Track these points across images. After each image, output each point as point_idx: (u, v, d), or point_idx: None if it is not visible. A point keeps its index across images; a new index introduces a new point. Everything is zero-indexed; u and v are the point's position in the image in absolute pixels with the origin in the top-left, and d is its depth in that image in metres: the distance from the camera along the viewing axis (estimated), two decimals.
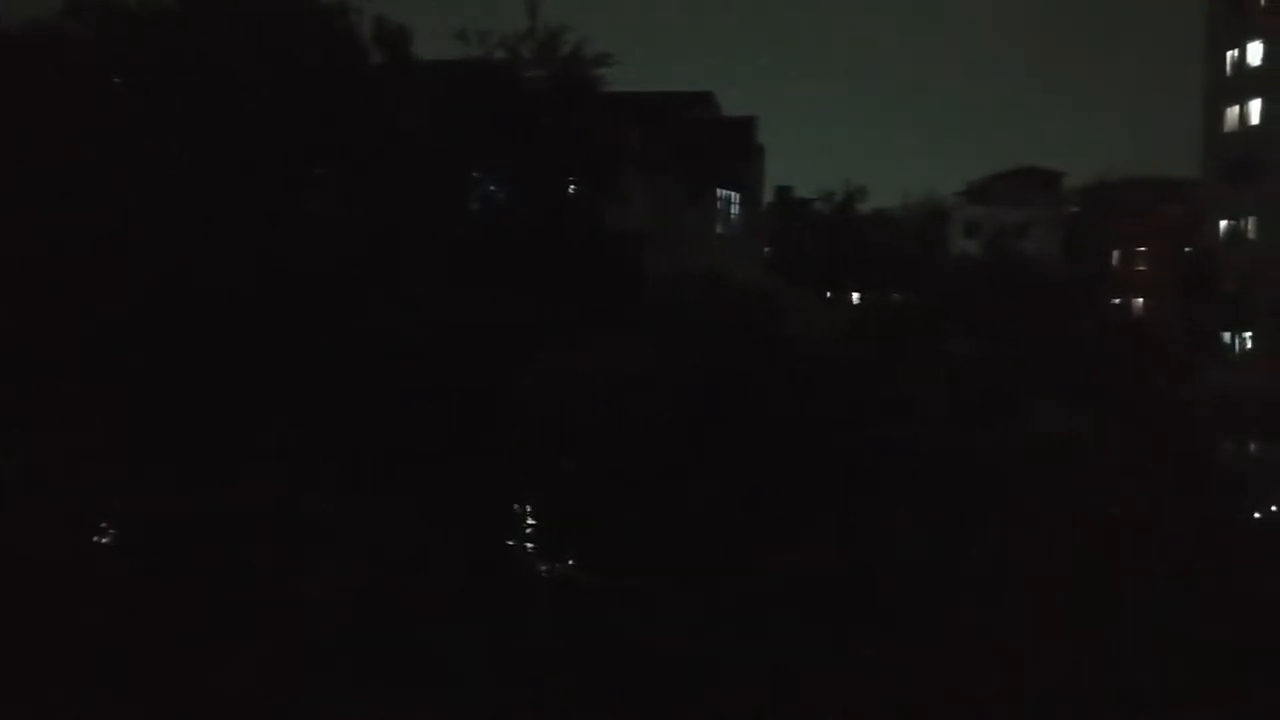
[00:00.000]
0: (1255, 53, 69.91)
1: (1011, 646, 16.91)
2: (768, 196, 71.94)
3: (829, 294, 67.82)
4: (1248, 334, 60.86)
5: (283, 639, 16.11)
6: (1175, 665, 18.23)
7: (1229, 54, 71.20)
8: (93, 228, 20.89)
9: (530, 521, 24.34)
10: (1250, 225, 69.21)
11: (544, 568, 23.96)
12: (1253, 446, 44.06)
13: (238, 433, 20.20)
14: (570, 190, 28.85)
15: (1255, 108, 69.35)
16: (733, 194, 57.19)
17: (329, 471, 20.11)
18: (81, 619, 17.84)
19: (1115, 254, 79.55)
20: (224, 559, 18.51)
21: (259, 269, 21.31)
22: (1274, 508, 34.41)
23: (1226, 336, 60.08)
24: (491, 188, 28.33)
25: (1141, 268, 77.81)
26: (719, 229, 56.79)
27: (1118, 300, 72.02)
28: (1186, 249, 70.94)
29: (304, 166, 24.67)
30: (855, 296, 73.21)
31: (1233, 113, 70.88)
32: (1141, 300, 74.63)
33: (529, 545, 24.21)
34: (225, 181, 22.03)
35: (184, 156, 22.32)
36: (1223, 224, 70.79)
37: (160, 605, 18.39)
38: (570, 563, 23.85)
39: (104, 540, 22.08)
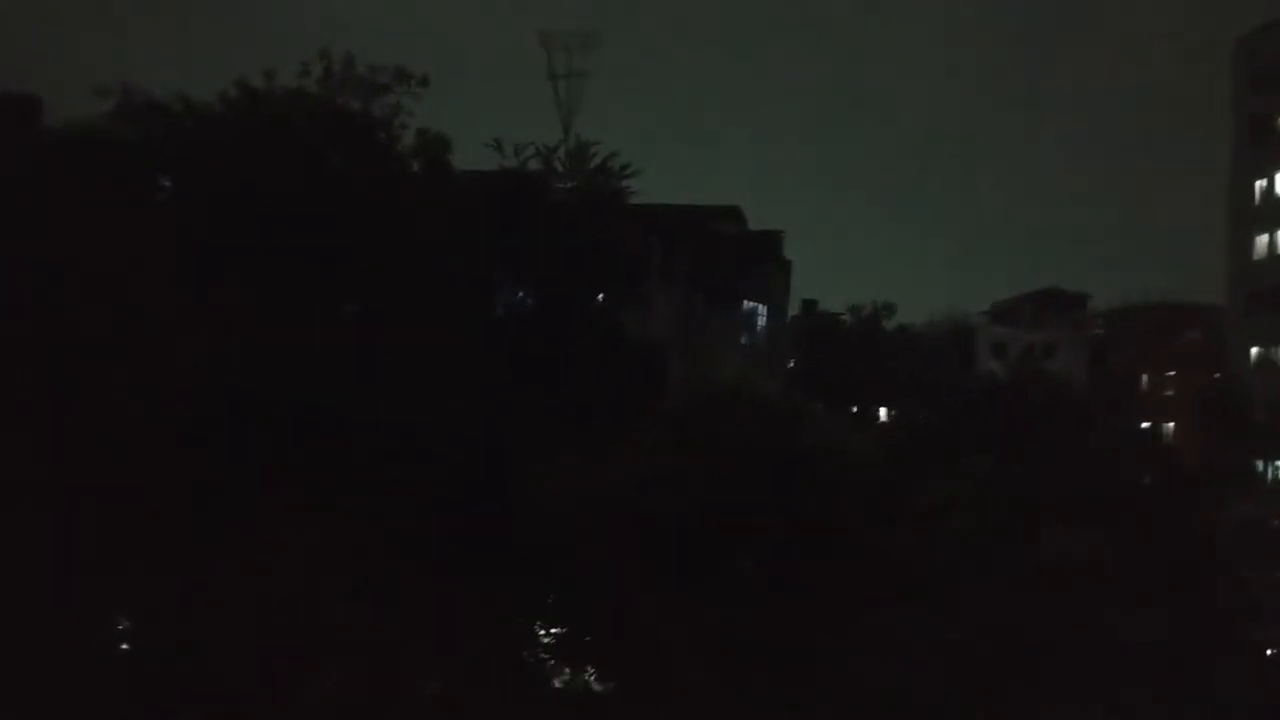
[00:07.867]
0: None
1: None
2: (794, 309, 72.47)
3: (854, 409, 67.69)
4: None
5: None
6: None
7: (1258, 184, 71.70)
8: (133, 327, 21.32)
9: (547, 631, 24.14)
10: None
11: (560, 680, 23.71)
12: None
13: (262, 535, 20.30)
14: (595, 299, 29.29)
15: None
16: (759, 306, 57.63)
17: (343, 576, 20.10)
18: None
19: (1143, 378, 79.22)
20: (238, 660, 18.40)
21: (290, 376, 21.63)
22: None
23: (1259, 465, 59.26)
24: (518, 295, 28.81)
25: (1169, 393, 77.33)
26: (744, 340, 57.11)
27: (1147, 424, 71.45)
28: (1215, 375, 70.51)
29: (341, 272, 25.12)
30: (883, 412, 73.09)
31: (1261, 240, 71.08)
32: (1172, 425, 73.99)
33: (545, 657, 23.97)
34: (263, 286, 22.52)
35: (225, 261, 22.87)
36: (1252, 351, 70.49)
37: (175, 703, 18.28)
38: (590, 672, 23.61)
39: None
